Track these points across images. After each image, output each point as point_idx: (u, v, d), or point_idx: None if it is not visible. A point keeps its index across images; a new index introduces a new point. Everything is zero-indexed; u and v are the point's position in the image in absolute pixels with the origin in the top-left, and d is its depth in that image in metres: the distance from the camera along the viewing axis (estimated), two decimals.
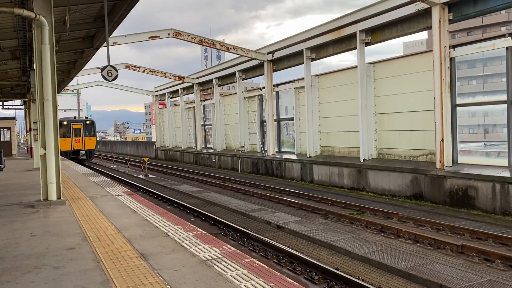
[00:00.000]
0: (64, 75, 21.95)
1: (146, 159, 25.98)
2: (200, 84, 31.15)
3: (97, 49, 14.97)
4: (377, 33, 15.63)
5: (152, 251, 5.40)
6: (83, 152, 32.57)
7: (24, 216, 8.02)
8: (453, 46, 13.13)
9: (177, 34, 19.75)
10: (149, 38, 19.57)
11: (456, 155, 13.17)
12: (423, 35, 66.73)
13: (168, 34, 19.67)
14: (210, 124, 31.20)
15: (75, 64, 19.30)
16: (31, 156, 23.66)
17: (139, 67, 28.65)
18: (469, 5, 12.39)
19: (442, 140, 12.87)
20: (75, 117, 35.78)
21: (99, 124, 59.52)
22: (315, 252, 8.67)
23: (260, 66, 22.74)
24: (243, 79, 25.53)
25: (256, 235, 9.78)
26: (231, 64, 26.02)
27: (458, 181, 12.28)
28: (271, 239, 9.40)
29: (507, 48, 11.80)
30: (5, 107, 34.02)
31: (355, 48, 16.29)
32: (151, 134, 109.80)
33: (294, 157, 20.55)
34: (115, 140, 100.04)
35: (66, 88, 30.48)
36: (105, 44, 12.27)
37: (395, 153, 15.70)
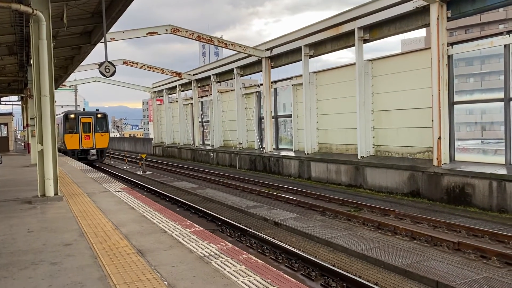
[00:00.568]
0: (62, 71, 21.88)
1: (143, 156, 25.95)
2: (198, 80, 31.10)
3: (95, 45, 14.93)
4: (375, 30, 15.63)
5: (150, 248, 5.41)
6: (94, 151, 27.46)
7: (21, 212, 8.01)
8: (451, 44, 13.14)
9: (175, 30, 19.70)
10: (147, 34, 19.51)
11: (453, 152, 13.20)
12: (421, 32, 66.74)
13: (166, 30, 19.61)
14: (208, 121, 31.17)
15: (73, 60, 19.24)
16: (28, 152, 23.61)
17: (137, 63, 28.59)
18: (467, 2, 12.39)
19: (440, 138, 12.89)
20: (84, 110, 30.55)
21: None
22: (312, 249, 8.69)
23: (258, 62, 22.71)
24: (241, 75, 25.50)
25: (253, 231, 9.80)
26: (229, 61, 25.97)
27: (455, 179, 12.31)
28: (268, 236, 9.42)
29: (504, 46, 11.81)
30: (2, 102, 33.93)
31: (353, 45, 16.28)
32: (148, 130, 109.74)
33: (291, 154, 20.56)
34: (113, 136, 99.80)
35: (63, 84, 30.43)
36: (102, 40, 12.24)
37: (393, 150, 15.73)
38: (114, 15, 11.49)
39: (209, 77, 28.78)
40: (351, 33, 16.29)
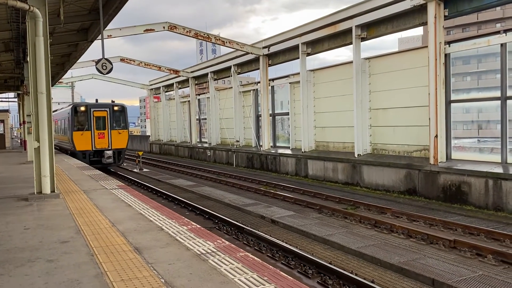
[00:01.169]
0: (58, 67, 21.80)
1: (140, 153, 25.92)
2: (195, 78, 31.05)
3: (92, 42, 14.87)
4: (372, 29, 15.63)
5: (146, 245, 5.40)
6: (110, 153, 21.96)
7: (18, 209, 7.99)
8: (448, 42, 13.16)
9: (172, 27, 19.65)
10: (144, 31, 19.46)
11: (450, 151, 13.24)
12: (419, 31, 66.78)
13: (163, 27, 19.56)
14: (205, 119, 31.14)
15: (69, 57, 19.17)
16: (25, 149, 23.52)
17: (134, 61, 28.51)
18: (465, 1, 12.41)
19: (436, 136, 12.93)
20: (97, 101, 23.86)
21: None
22: (309, 247, 8.71)
23: (256, 60, 22.69)
24: (239, 73, 25.47)
25: (250, 229, 9.81)
26: (226, 58, 25.94)
27: (451, 177, 12.35)
28: (265, 233, 9.44)
29: (501, 44, 11.84)
30: None
31: (351, 43, 16.28)
32: (145, 128, 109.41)
33: (289, 152, 20.58)
34: None
35: (60, 81, 30.29)
36: (99, 37, 12.21)
37: (390, 148, 15.77)
38: (111, 12, 11.45)
39: (206, 74, 28.74)
40: (348, 31, 16.29)
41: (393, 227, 9.69)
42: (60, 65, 21.40)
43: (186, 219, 7.00)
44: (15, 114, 59.37)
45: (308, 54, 19.11)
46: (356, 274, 6.84)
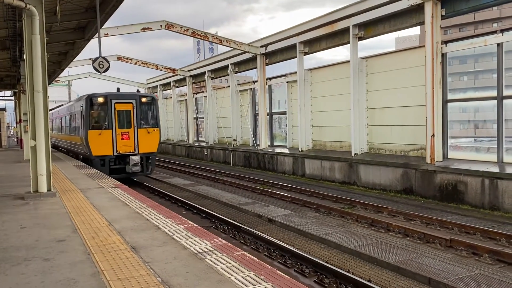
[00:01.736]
0: (55, 66, 21.73)
1: None
2: (193, 76, 31.00)
3: (89, 40, 14.83)
4: (370, 28, 15.64)
5: (143, 244, 5.40)
6: (136, 158, 16.86)
7: (14, 208, 7.97)
8: (445, 42, 13.19)
9: (169, 26, 19.61)
10: (141, 30, 19.41)
11: (447, 150, 13.28)
12: (416, 30, 66.95)
13: (161, 26, 19.52)
14: (202, 117, 31.10)
15: (66, 55, 19.11)
16: (21, 147, 23.45)
17: (131, 59, 28.44)
18: (462, 1, 12.43)
19: (433, 135, 12.96)
20: (118, 90, 18.17)
21: None
22: (306, 246, 8.72)
23: (253, 59, 22.68)
24: (236, 72, 25.45)
25: (247, 228, 9.81)
26: (224, 57, 25.92)
27: (448, 176, 12.39)
28: (262, 232, 9.44)
29: (498, 44, 11.87)
30: None
31: (348, 42, 16.29)
32: None
33: (286, 151, 20.58)
34: None
35: (57, 79, 30.18)
36: (96, 35, 12.17)
37: (386, 147, 15.80)
38: (108, 10, 11.42)
39: (203, 73, 28.69)
40: (346, 30, 16.30)
41: (389, 226, 9.71)
42: (56, 64, 21.34)
43: (183, 218, 7.00)
44: (11, 113, 59.10)
45: (306, 53, 19.11)
46: (352, 273, 6.86)
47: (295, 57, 19.37)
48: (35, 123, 8.61)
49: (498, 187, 11.05)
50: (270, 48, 21.11)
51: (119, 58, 27.75)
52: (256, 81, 22.98)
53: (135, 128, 17.02)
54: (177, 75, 31.94)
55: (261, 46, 21.64)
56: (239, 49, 22.14)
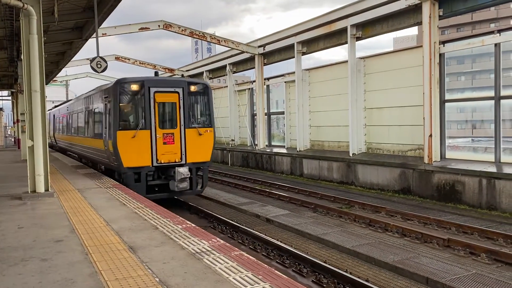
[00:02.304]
0: (53, 66, 21.68)
1: None
2: (191, 76, 30.96)
3: (86, 40, 14.79)
4: (368, 28, 15.66)
5: (141, 244, 5.39)
6: (185, 170, 11.93)
7: (11, 208, 7.94)
8: (443, 42, 13.21)
9: (167, 26, 19.58)
10: (139, 29, 19.38)
11: (444, 150, 13.30)
12: (414, 30, 67.03)
13: (159, 26, 19.49)
14: None
15: (64, 55, 19.06)
16: (19, 147, 23.38)
17: (129, 59, 28.40)
18: (459, 1, 12.46)
19: (431, 135, 12.98)
20: (156, 74, 14.84)
21: None
22: (303, 245, 8.73)
23: (251, 59, 22.67)
24: (234, 72, 25.44)
25: (245, 228, 9.81)
26: (221, 57, 25.90)
27: (445, 176, 12.41)
28: (260, 232, 9.44)
29: (495, 44, 11.90)
30: None
31: (346, 42, 16.30)
32: None
33: (284, 151, 20.59)
34: None
35: (54, 79, 30.13)
36: (94, 35, 12.14)
37: (384, 147, 15.81)
38: (106, 10, 11.39)
39: (201, 73, 28.67)
40: (343, 30, 16.31)
41: (387, 226, 9.73)
42: (54, 63, 21.29)
43: (180, 218, 6.99)
44: (8, 113, 58.95)
45: (304, 53, 19.11)
46: (350, 273, 6.87)
47: (293, 57, 19.37)
48: (33, 123, 8.59)
49: (496, 187, 11.07)
50: (268, 48, 21.11)
51: (117, 58, 27.71)
52: (254, 81, 22.97)
53: (182, 128, 12.32)
54: (175, 75, 31.90)
55: (259, 46, 21.63)
56: (237, 49, 22.13)
